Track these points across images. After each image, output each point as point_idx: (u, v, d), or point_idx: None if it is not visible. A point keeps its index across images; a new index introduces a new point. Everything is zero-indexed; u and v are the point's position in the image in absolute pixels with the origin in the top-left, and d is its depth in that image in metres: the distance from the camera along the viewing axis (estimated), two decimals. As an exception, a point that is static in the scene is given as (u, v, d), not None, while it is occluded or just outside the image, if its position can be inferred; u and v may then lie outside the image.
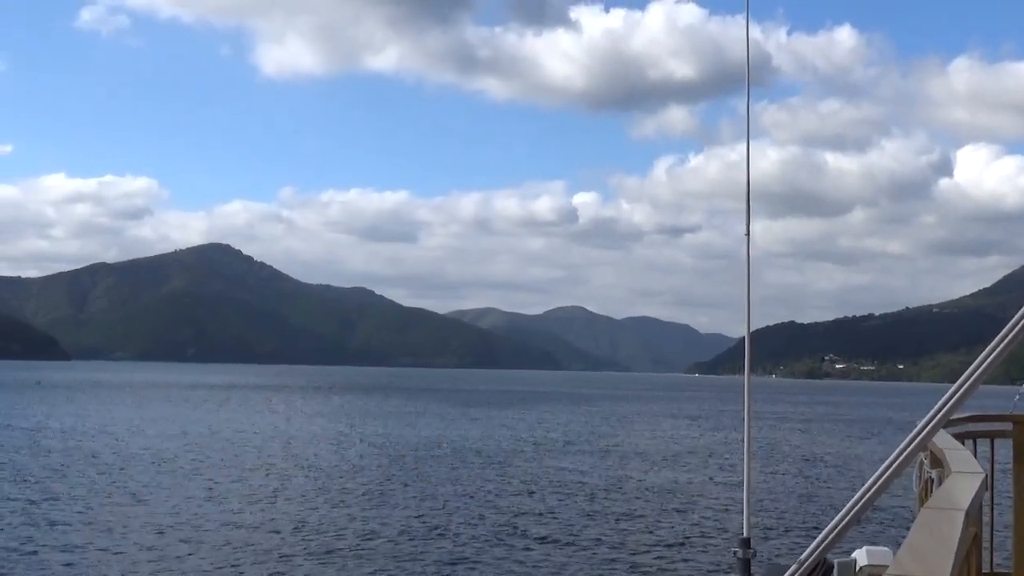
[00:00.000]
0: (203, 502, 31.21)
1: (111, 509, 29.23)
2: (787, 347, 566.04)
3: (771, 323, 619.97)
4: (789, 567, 5.46)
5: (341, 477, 38.75)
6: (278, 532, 26.41)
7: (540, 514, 30.80)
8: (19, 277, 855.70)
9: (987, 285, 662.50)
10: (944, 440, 7.52)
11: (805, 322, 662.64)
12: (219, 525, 27.10)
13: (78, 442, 50.18)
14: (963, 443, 7.98)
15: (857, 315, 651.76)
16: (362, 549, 24.25)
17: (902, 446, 4.64)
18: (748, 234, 7.92)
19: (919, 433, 4.59)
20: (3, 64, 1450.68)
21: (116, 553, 23.16)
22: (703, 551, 25.64)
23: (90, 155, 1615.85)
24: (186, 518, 28.09)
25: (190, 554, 23.24)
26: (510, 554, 24.46)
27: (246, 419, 74.07)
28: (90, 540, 24.50)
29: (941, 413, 4.49)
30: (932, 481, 7.15)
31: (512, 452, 51.51)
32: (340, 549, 24.14)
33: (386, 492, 34.45)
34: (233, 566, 22.20)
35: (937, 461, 7.21)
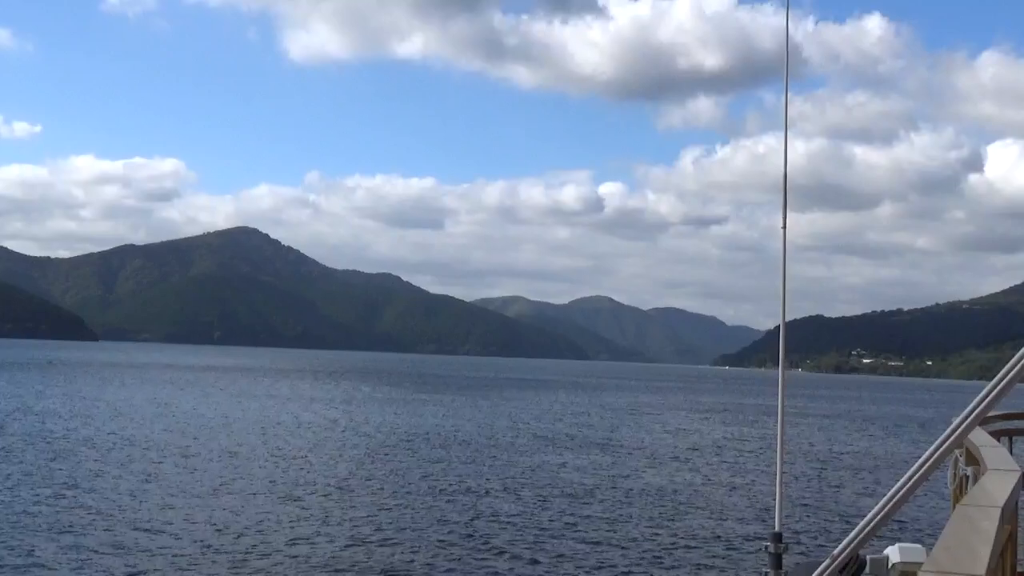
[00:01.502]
0: (127, 491, 28.82)
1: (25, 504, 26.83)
2: (814, 341, 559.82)
3: (798, 316, 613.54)
4: (821, 562, 5.48)
5: (308, 468, 36.25)
6: (207, 527, 24.11)
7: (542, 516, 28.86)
8: (48, 257, 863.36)
9: (1018, 282, 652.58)
10: (980, 437, 7.40)
11: (832, 316, 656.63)
12: (143, 518, 24.84)
13: (37, 424, 47.83)
14: (999, 440, 7.98)
15: (886, 310, 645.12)
16: (296, 556, 21.80)
17: (937, 443, 4.62)
18: (784, 227, 7.91)
19: (955, 430, 4.57)
20: (30, 45, 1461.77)
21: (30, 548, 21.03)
22: (728, 546, 24.69)
23: (118, 137, 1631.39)
24: (101, 510, 25.81)
25: (112, 551, 21.03)
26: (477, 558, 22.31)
27: (231, 403, 71.09)
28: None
29: (977, 410, 4.46)
30: (967, 478, 7.10)
31: (506, 444, 49.22)
32: (267, 555, 21.72)
33: (349, 487, 31.81)
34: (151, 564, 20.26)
35: (972, 458, 7.12)
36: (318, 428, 53.45)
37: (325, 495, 29.89)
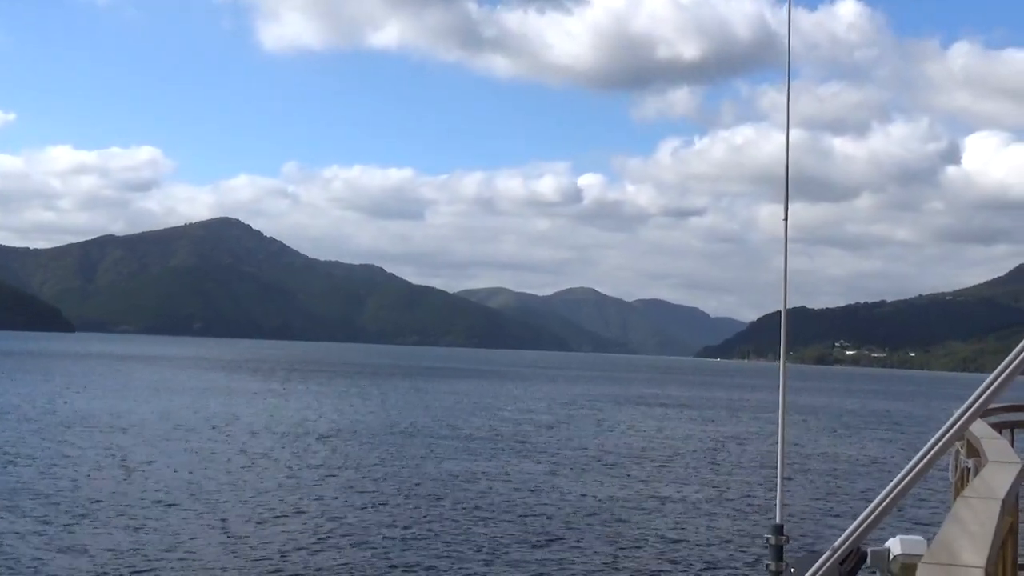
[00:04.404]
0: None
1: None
2: (797, 332, 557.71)
3: (780, 308, 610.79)
4: (823, 554, 5.45)
5: (169, 472, 32.38)
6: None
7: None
8: (27, 248, 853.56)
9: (1000, 274, 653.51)
10: (981, 429, 7.43)
11: (816, 308, 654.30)
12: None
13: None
14: (1000, 433, 8.02)
15: (868, 301, 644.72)
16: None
17: (938, 435, 4.55)
18: (786, 218, 7.93)
19: (956, 422, 4.50)
20: (2, 35, 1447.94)
21: None
22: (728, 539, 24.68)
23: (94, 127, 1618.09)
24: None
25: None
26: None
27: (138, 398, 66.68)
28: None
29: (978, 402, 4.39)
30: (968, 470, 7.11)
31: (451, 446, 46.03)
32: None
33: (202, 495, 28.01)
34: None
35: (973, 450, 7.14)
36: (218, 424, 49.48)
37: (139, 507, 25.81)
